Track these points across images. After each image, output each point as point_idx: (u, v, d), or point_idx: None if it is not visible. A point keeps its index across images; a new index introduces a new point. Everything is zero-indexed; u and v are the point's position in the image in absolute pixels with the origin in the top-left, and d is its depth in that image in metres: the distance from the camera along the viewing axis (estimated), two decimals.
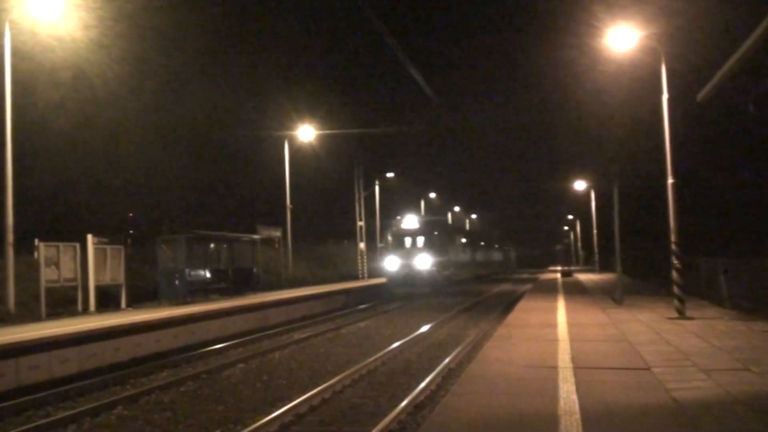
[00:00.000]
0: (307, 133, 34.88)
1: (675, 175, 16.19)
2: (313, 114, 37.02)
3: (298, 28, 68.24)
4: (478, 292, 37.91)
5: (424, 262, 34.13)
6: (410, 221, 35.90)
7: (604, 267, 51.00)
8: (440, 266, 35.66)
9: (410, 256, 34.28)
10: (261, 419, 9.09)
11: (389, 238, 35.79)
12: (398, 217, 36.97)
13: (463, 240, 47.06)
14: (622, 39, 16.86)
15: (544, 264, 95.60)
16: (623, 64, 19.94)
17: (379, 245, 39.63)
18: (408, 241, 35.34)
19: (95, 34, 21.63)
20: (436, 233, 36.66)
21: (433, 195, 72.64)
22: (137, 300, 21.35)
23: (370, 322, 22.53)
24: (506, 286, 46.48)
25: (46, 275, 17.38)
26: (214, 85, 52.56)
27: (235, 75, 60.88)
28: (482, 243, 65.19)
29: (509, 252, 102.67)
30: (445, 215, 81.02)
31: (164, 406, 10.55)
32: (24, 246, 18.94)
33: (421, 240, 35.29)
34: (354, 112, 74.72)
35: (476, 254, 56.72)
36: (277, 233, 33.05)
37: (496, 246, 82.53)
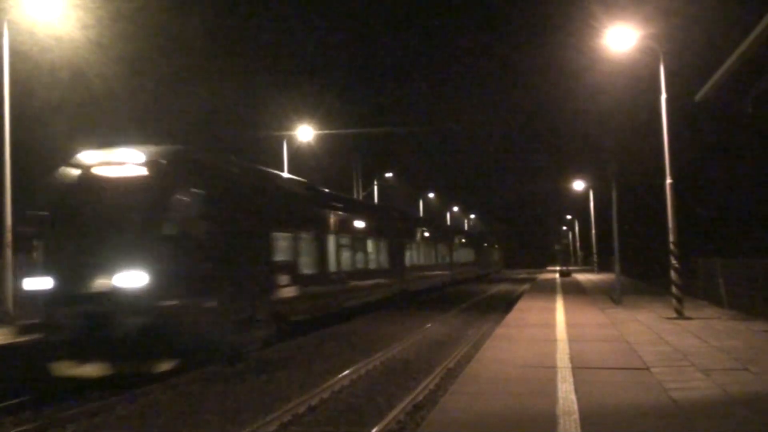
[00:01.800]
0: (305, 133, 34.87)
1: (673, 175, 16.21)
2: (313, 114, 36.95)
3: (297, 28, 68.24)
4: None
5: (138, 280, 10.93)
6: (108, 156, 12.14)
7: (603, 267, 51.04)
8: (228, 290, 12.78)
9: (96, 267, 11.10)
10: (260, 419, 9.08)
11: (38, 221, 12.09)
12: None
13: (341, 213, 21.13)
14: (620, 39, 16.90)
15: (542, 264, 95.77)
16: (622, 64, 20.00)
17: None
18: (97, 221, 11.53)
19: (93, 34, 21.66)
20: (195, 191, 12.14)
21: (432, 195, 72.81)
22: None
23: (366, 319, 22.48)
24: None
25: None
26: (213, 85, 52.54)
27: (234, 75, 60.89)
28: (427, 234, 35.80)
29: (489, 250, 69.00)
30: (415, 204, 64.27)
31: (163, 406, 10.53)
32: (22, 246, 18.91)
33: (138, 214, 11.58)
34: (353, 112, 74.78)
35: (411, 252, 30.85)
36: None
37: (464, 240, 51.17)
